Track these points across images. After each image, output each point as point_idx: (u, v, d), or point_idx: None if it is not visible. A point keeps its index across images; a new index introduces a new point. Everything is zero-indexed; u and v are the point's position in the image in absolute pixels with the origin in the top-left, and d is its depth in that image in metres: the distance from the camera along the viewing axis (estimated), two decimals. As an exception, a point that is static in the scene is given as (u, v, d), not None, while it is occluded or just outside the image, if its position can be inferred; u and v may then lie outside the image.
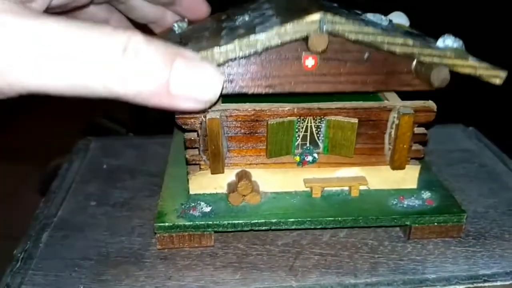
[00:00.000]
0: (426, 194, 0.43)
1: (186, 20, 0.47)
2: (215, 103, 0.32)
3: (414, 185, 0.44)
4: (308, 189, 0.43)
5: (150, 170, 0.53)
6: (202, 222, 0.40)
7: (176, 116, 0.40)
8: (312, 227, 0.41)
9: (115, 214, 0.46)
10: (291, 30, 0.34)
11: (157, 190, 0.49)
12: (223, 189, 0.43)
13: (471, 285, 0.38)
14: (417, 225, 0.41)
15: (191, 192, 0.43)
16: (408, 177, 0.44)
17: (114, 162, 0.54)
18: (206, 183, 0.42)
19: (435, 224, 0.41)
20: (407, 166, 0.43)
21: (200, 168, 0.42)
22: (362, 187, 0.43)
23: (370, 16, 0.39)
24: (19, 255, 0.41)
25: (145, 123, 1.63)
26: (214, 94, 0.29)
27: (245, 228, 0.40)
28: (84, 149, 0.57)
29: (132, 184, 0.50)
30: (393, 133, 0.41)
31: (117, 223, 0.44)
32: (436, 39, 0.38)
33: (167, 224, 0.39)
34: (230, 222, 0.40)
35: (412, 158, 0.43)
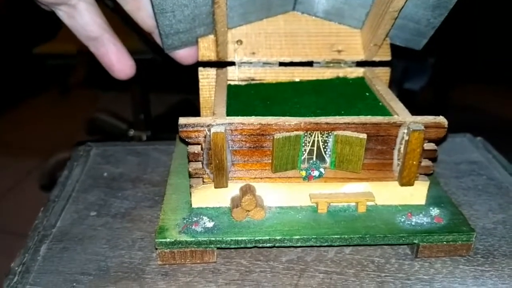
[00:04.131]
0: (435, 211, 0.42)
1: None
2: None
3: (422, 202, 0.43)
4: (313, 204, 0.42)
5: (152, 179, 0.52)
6: (205, 239, 0.39)
7: (180, 130, 0.39)
8: (318, 244, 0.40)
9: (116, 225, 0.45)
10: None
11: (159, 200, 0.48)
12: (227, 203, 0.42)
13: (479, 307, 0.37)
14: (425, 243, 0.40)
15: (193, 206, 0.42)
16: (417, 193, 0.43)
17: (115, 170, 0.53)
18: (209, 197, 0.41)
19: (444, 242, 0.40)
20: (415, 182, 0.42)
21: (203, 182, 0.41)
22: (369, 203, 0.42)
23: None
24: (16, 268, 0.40)
25: (147, 120, 1.61)
26: None
27: (249, 245, 0.39)
28: (85, 156, 0.56)
29: (134, 194, 0.49)
30: (402, 149, 0.40)
31: (117, 235, 0.43)
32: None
33: (168, 240, 0.38)
34: (234, 238, 0.39)
35: (421, 174, 0.42)
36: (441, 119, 0.40)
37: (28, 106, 2.04)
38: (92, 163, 0.55)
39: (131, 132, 1.64)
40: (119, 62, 0.46)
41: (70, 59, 1.54)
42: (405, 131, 0.40)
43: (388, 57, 0.51)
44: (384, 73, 0.51)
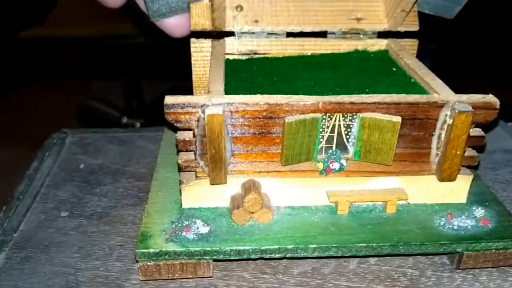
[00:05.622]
0: (479, 212, 0.35)
1: None
2: None
3: (463, 200, 0.36)
4: (332, 204, 0.35)
5: (136, 171, 0.45)
6: (198, 248, 0.31)
7: (166, 111, 0.31)
8: (339, 255, 0.32)
9: (90, 229, 0.38)
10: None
11: (143, 197, 0.42)
12: (226, 203, 0.35)
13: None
14: (470, 252, 0.33)
15: (184, 206, 0.35)
16: (458, 189, 0.36)
17: (94, 161, 0.46)
18: (204, 196, 0.35)
19: (492, 250, 0.33)
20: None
21: (196, 177, 0.34)
22: (401, 202, 0.35)
23: None
24: (-35, 284, 0.32)
25: (140, 107, 1.55)
26: None
27: (253, 256, 0.32)
28: (59, 144, 0.48)
29: (114, 190, 0.43)
30: (443, 135, 0.33)
31: (92, 241, 0.37)
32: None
33: (152, 250, 0.31)
34: (234, 248, 0.32)
35: (463, 166, 0.35)
36: (492, 98, 0.33)
37: (17, 94, 1.98)
38: (66, 153, 0.47)
39: (124, 120, 1.59)
40: None
41: (61, 45, 1.47)
42: (448, 113, 0.32)
43: (415, 27, 0.44)
44: (411, 45, 0.44)
